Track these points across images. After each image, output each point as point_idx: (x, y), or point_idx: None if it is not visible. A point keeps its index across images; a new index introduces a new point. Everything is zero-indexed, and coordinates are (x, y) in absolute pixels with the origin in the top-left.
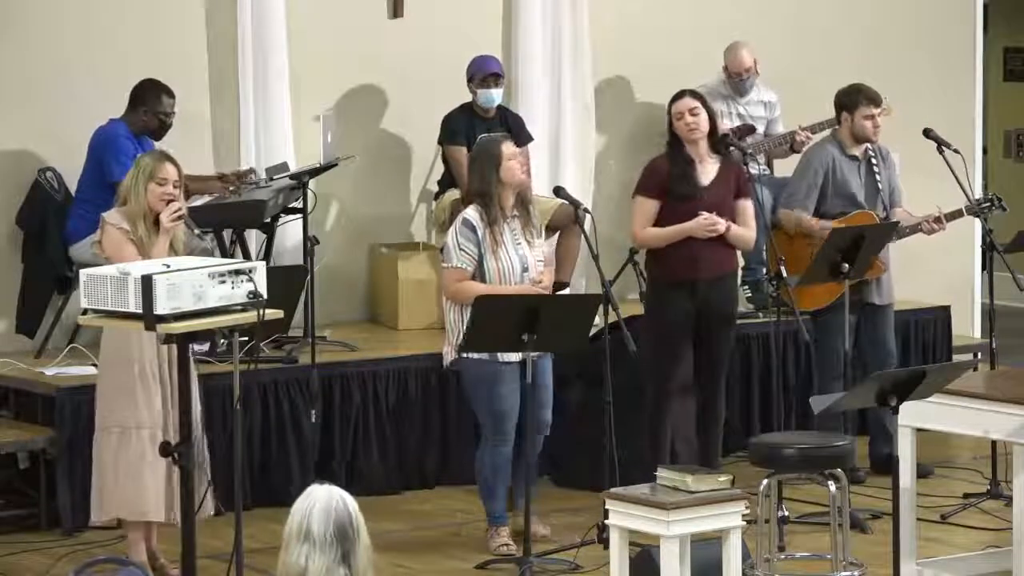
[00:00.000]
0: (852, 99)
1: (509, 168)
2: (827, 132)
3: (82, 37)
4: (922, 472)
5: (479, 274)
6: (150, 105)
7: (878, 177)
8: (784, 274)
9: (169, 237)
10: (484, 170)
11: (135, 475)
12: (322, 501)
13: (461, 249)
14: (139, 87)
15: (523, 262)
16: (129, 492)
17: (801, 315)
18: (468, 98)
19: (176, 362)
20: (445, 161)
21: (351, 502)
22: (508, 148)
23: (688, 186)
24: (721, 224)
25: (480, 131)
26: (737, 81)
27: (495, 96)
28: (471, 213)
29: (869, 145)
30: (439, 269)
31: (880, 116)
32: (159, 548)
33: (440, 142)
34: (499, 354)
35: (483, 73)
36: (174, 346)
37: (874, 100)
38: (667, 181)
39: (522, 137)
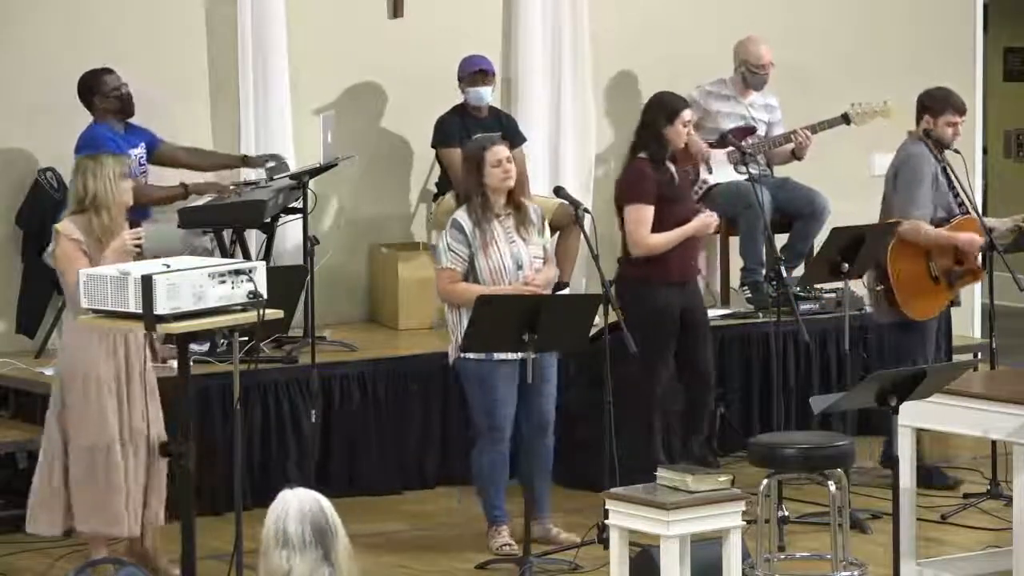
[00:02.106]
0: (939, 105)
1: (491, 174)
2: (829, 130)
3: (82, 37)
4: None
5: (471, 274)
6: (99, 91)
7: (951, 177)
8: (784, 274)
9: (120, 257)
10: (470, 172)
11: (93, 489)
12: (294, 504)
13: (450, 250)
14: (79, 85)
15: (517, 259)
16: (90, 506)
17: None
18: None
19: (135, 369)
20: (441, 164)
21: (324, 501)
22: (493, 154)
23: (675, 188)
24: (715, 220)
25: (474, 131)
26: (755, 72)
27: (484, 94)
28: (461, 214)
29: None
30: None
31: (961, 124)
32: (160, 548)
33: (434, 145)
34: (495, 353)
35: (471, 69)
36: (131, 353)
37: (960, 110)
38: (658, 185)
39: (516, 138)
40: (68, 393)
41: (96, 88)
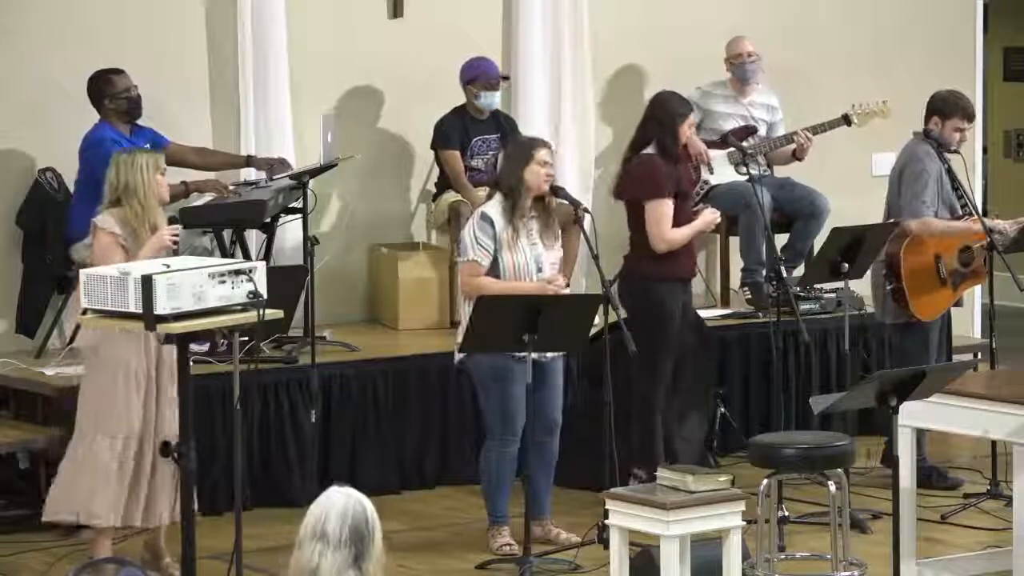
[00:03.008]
0: (949, 108)
1: (534, 171)
2: (827, 133)
3: (82, 37)
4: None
5: (494, 269)
6: (109, 92)
7: (953, 176)
8: (784, 274)
9: (157, 252)
10: (514, 165)
11: (98, 478)
12: (339, 503)
13: (478, 243)
14: (89, 86)
15: (538, 261)
16: (84, 495)
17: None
18: (464, 99)
19: (165, 365)
20: (440, 165)
21: (369, 506)
22: (541, 154)
23: (684, 186)
24: (718, 217)
25: (474, 134)
26: (738, 66)
27: (497, 99)
28: (490, 208)
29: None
30: (439, 269)
31: (969, 131)
32: (166, 548)
33: (433, 147)
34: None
35: (489, 78)
36: (163, 349)
37: (970, 116)
38: (674, 181)
39: None
40: (95, 383)
41: (106, 90)
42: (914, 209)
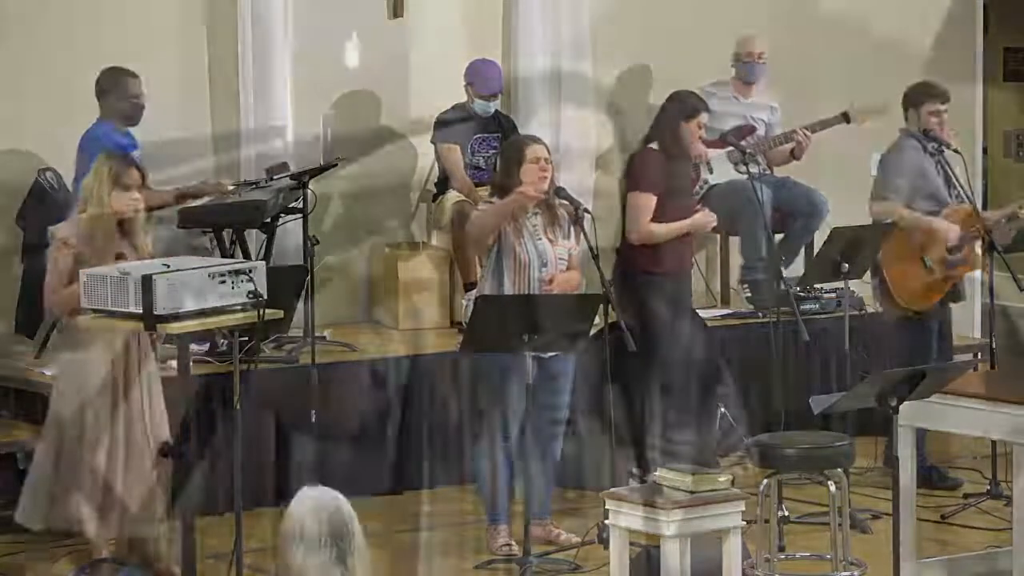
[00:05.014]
0: (919, 96)
1: (528, 170)
2: (829, 130)
3: (82, 36)
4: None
5: (497, 268)
6: (118, 92)
7: (948, 172)
8: (783, 273)
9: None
10: (509, 165)
11: (72, 487)
12: (314, 503)
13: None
14: (101, 77)
15: (542, 257)
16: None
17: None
18: (465, 97)
19: (135, 370)
20: (438, 159)
21: (344, 503)
22: (533, 151)
23: (682, 184)
24: (713, 220)
25: (474, 131)
26: (745, 64)
27: (491, 108)
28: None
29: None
30: (439, 269)
31: (945, 113)
32: (165, 550)
33: (433, 140)
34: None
35: (481, 90)
36: (133, 356)
37: (940, 96)
38: (667, 178)
39: None
40: (62, 387)
41: (114, 88)
42: (877, 194)
